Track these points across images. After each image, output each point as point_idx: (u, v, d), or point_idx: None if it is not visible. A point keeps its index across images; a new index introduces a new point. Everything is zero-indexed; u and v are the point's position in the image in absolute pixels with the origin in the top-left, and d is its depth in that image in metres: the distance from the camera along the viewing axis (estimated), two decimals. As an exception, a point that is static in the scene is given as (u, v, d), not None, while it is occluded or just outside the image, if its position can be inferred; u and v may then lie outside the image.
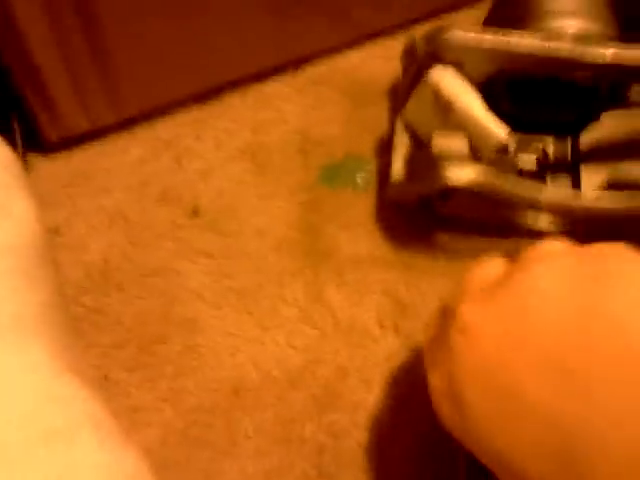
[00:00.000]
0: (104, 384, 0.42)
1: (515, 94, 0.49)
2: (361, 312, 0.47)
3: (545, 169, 0.50)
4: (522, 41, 0.43)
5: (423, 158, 0.45)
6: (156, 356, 0.46)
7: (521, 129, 0.49)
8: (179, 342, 0.46)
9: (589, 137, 0.49)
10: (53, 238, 0.47)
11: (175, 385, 0.45)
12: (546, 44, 0.43)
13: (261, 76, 0.56)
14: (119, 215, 0.50)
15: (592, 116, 0.48)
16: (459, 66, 0.45)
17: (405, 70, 0.49)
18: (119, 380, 0.44)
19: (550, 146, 0.51)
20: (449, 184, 0.41)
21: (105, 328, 0.45)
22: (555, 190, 0.46)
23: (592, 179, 0.49)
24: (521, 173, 0.49)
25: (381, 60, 0.57)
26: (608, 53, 0.43)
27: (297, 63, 0.56)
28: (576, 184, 0.48)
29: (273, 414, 0.44)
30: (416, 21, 0.59)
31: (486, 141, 0.44)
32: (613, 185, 0.45)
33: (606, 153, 0.49)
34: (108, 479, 0.21)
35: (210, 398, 0.44)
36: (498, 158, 0.46)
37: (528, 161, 0.50)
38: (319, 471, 0.42)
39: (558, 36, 0.45)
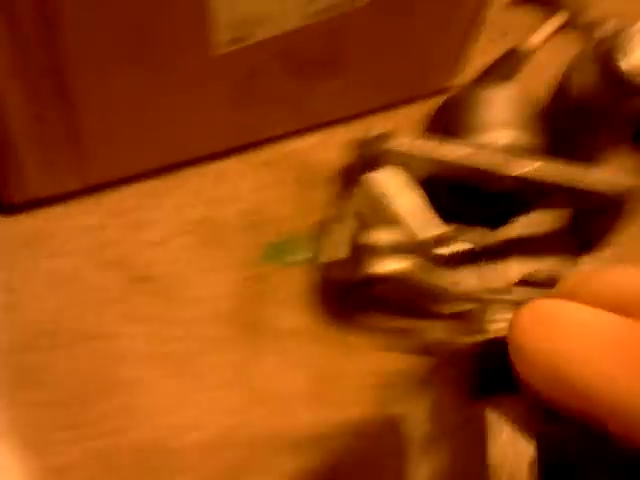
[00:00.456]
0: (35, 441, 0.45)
1: (454, 191, 0.54)
2: (292, 382, 0.51)
3: (474, 259, 0.55)
4: (452, 151, 0.48)
5: (357, 245, 0.50)
6: (93, 415, 0.48)
7: (459, 221, 0.53)
8: (117, 402, 0.49)
9: (514, 231, 0.53)
10: (8, 297, 0.50)
11: (106, 443, 0.47)
12: (474, 156, 0.48)
13: (221, 154, 0.60)
14: (75, 277, 0.54)
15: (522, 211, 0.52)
16: (404, 165, 0.50)
17: (357, 161, 0.54)
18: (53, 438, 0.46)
19: (480, 237, 0.55)
20: (369, 273, 0.45)
21: (46, 386, 0.48)
22: (470, 283, 0.50)
23: (514, 271, 0.53)
24: (448, 262, 0.53)
25: (333, 147, 0.61)
26: (533, 167, 0.48)
27: (255, 144, 0.61)
28: (502, 275, 0.53)
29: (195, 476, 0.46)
30: (371, 112, 0.63)
31: (417, 236, 0.48)
32: (528, 282, 0.50)
33: (531, 248, 0.54)
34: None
35: (145, 456, 0.47)
36: (427, 251, 0.50)
37: (456, 250, 0.54)
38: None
39: (489, 147, 0.50)
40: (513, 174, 0.48)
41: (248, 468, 0.47)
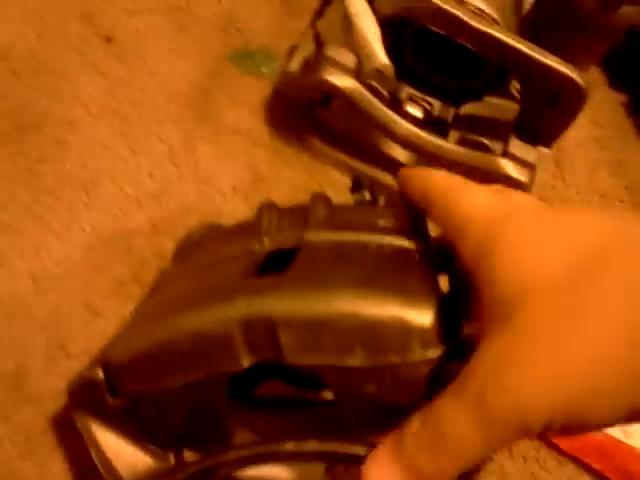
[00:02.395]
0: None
1: (418, 51, 0.55)
2: (222, 172, 0.52)
3: (425, 122, 0.56)
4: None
5: (316, 61, 0.51)
6: (25, 141, 0.49)
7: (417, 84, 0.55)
8: (50, 135, 0.50)
9: (467, 110, 0.55)
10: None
11: (34, 167, 0.48)
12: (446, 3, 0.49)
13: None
14: (38, 15, 0.54)
15: (476, 95, 0.54)
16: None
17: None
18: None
19: (436, 106, 0.57)
20: (324, 84, 0.47)
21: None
22: (410, 126, 0.52)
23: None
24: (406, 116, 0.54)
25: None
26: (498, 30, 0.50)
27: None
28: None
29: (112, 220, 0.48)
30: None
31: (369, 61, 0.50)
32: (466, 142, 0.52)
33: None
34: None
35: (62, 187, 0.48)
36: (378, 83, 0.52)
37: (415, 109, 0.56)
38: (135, 279, 0.47)
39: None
40: (476, 26, 0.48)
41: (159, 231, 0.48)
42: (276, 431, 0.33)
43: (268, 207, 0.38)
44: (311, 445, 0.31)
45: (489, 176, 0.51)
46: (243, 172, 0.52)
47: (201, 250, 0.39)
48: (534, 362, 0.23)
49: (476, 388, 0.24)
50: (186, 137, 0.52)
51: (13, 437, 0.40)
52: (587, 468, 0.46)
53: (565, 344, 0.23)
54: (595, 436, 0.46)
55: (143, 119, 0.52)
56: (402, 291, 0.29)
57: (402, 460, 0.26)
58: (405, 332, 0.28)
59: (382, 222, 0.35)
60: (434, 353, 0.28)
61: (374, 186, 0.46)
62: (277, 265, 0.32)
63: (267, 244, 0.35)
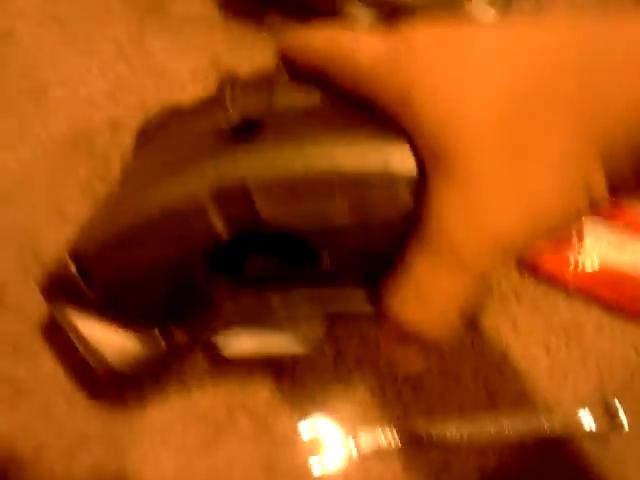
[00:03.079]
0: None
1: None
2: (177, 62, 0.49)
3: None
4: None
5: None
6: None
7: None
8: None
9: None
10: None
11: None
12: None
13: None
14: None
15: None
16: None
17: None
18: None
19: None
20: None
21: None
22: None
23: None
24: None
25: None
26: None
27: None
28: None
29: (68, 125, 0.46)
30: None
31: None
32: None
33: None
34: None
35: (9, 100, 0.46)
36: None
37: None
38: (101, 179, 0.45)
39: None
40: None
41: (119, 125, 0.46)
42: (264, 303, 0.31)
43: (230, 80, 0.35)
44: (301, 292, 0.29)
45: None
46: (199, 59, 0.50)
47: (163, 133, 0.36)
48: (488, 201, 0.23)
49: (443, 241, 0.23)
50: (135, 33, 0.50)
51: (1, 347, 0.39)
52: (598, 301, 0.44)
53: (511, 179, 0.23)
54: (604, 268, 0.44)
55: (85, 21, 0.49)
56: (383, 137, 0.26)
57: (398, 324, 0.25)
58: (392, 182, 0.25)
59: None
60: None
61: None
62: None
63: (234, 116, 0.32)
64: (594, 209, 0.24)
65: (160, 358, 0.34)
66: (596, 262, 0.45)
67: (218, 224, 0.27)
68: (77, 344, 0.34)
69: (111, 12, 0.50)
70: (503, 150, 0.22)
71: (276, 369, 0.40)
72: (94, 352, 0.33)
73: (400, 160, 0.26)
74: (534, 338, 0.43)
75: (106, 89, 0.48)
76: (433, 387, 0.41)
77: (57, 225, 0.43)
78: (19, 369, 0.39)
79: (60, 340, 0.39)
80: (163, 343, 0.34)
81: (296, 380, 0.40)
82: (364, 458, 0.38)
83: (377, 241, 0.27)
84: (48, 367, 0.39)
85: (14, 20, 0.48)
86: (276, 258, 0.32)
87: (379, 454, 0.39)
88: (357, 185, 0.26)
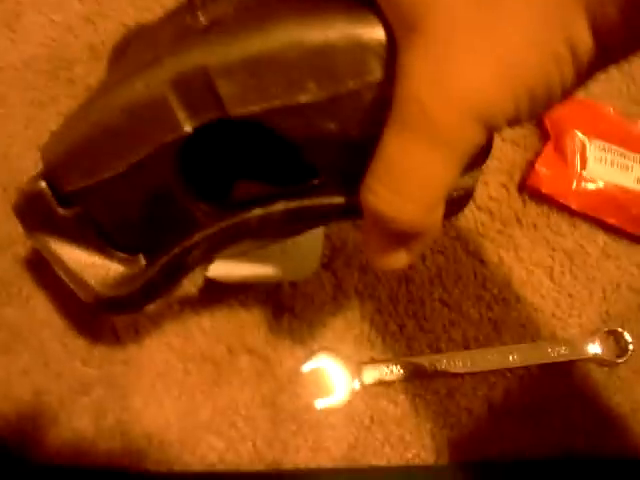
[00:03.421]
0: None
1: None
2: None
3: None
4: None
5: None
6: None
7: None
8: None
9: None
10: None
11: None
12: None
13: None
14: None
15: None
16: None
17: None
18: None
19: None
20: None
21: None
22: None
23: None
24: None
25: None
26: None
27: None
28: None
29: (45, 52, 0.43)
30: None
31: None
32: None
33: None
34: None
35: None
36: None
37: None
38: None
39: None
40: None
41: (99, 53, 0.44)
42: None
43: None
44: (280, 205, 0.28)
45: None
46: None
47: (134, 46, 0.34)
48: (463, 62, 0.20)
49: (416, 110, 0.21)
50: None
51: (-10, 290, 0.38)
52: (602, 225, 0.43)
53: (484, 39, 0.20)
54: (607, 190, 0.43)
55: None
56: (347, 9, 0.24)
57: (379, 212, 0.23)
58: (360, 51, 0.24)
59: None
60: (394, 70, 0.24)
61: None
62: None
63: (202, 19, 0.30)
64: (578, 66, 0.21)
65: (145, 281, 0.32)
66: (600, 183, 0.43)
67: (180, 114, 0.26)
68: (62, 274, 0.32)
69: None
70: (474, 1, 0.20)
71: (275, 306, 0.39)
72: (79, 280, 0.32)
73: (366, 28, 0.24)
74: (538, 264, 0.41)
75: (83, 13, 0.45)
76: (436, 318, 0.40)
77: (38, 158, 0.40)
78: (10, 309, 0.38)
79: (52, 282, 0.37)
80: (144, 264, 0.32)
81: (296, 316, 0.39)
82: (368, 392, 0.38)
83: (351, 125, 0.25)
84: (42, 310, 0.38)
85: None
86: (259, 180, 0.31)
87: (383, 387, 0.38)
88: (321, 55, 0.24)
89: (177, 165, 0.27)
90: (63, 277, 0.32)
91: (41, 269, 0.38)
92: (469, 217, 0.42)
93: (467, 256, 0.41)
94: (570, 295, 0.41)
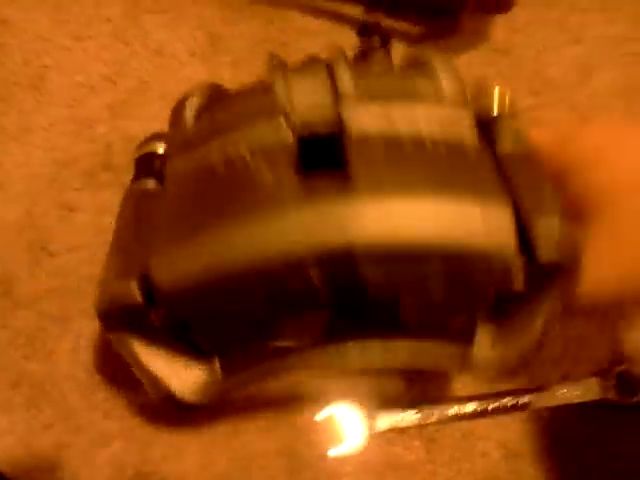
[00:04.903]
0: None
1: None
2: (174, 39, 0.48)
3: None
4: None
5: None
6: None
7: None
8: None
9: None
10: None
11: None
12: None
13: None
14: None
15: None
16: None
17: None
18: None
19: None
20: None
21: None
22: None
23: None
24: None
25: None
26: None
27: None
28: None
29: (69, 113, 0.45)
30: None
31: None
32: None
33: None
34: None
35: (10, 89, 0.45)
36: None
37: None
38: (104, 167, 0.44)
39: None
40: None
41: (120, 113, 0.46)
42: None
43: (279, 67, 0.30)
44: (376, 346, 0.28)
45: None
46: (196, 34, 0.49)
47: (207, 124, 0.31)
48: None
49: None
50: (129, 12, 0.49)
51: (14, 341, 0.39)
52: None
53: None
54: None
55: (78, 3, 0.48)
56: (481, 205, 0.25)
57: None
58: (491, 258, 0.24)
59: (421, 84, 0.29)
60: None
61: (382, 31, 0.43)
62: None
63: (297, 126, 0.27)
64: None
65: (219, 389, 0.31)
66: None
67: (323, 290, 0.25)
68: (138, 373, 0.31)
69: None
70: None
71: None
72: (156, 381, 0.31)
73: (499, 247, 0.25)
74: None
75: (104, 73, 0.47)
76: (449, 363, 0.40)
77: (63, 216, 0.43)
78: (32, 363, 0.39)
79: (73, 337, 0.39)
80: (220, 372, 0.31)
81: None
82: (383, 438, 0.38)
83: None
84: (64, 364, 0.39)
85: (8, 7, 0.48)
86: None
87: (397, 433, 0.39)
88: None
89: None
90: (139, 375, 0.31)
91: (62, 324, 0.40)
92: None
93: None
94: (581, 335, 0.41)
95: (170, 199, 0.29)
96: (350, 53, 0.44)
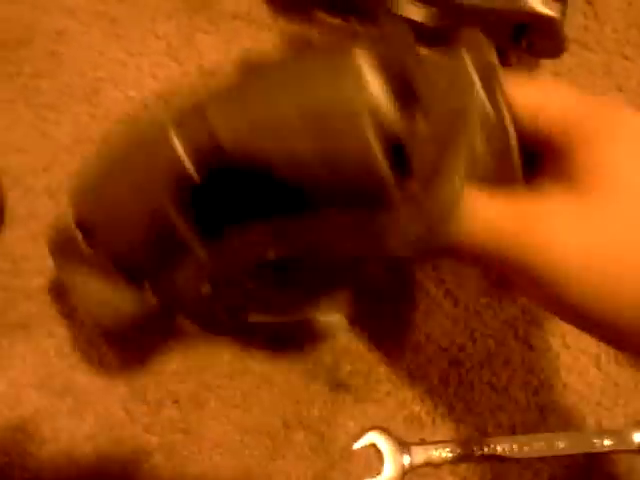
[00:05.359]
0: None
1: None
2: (226, 61, 0.49)
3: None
4: None
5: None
6: (17, 57, 0.47)
7: None
8: (42, 48, 0.47)
9: None
10: None
11: (30, 83, 0.46)
12: None
13: None
14: None
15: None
16: None
17: None
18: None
19: None
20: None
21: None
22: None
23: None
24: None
25: None
26: None
27: None
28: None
29: (117, 122, 0.46)
30: None
31: None
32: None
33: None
34: None
35: (64, 100, 0.46)
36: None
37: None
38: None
39: None
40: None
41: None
42: None
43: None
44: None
45: (514, 16, 0.46)
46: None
47: None
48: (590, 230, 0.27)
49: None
50: (184, 30, 0.49)
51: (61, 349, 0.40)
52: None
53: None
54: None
55: (135, 18, 0.49)
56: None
57: None
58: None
59: None
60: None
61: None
62: None
63: None
64: None
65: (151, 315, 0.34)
66: None
67: (179, 150, 0.28)
68: (74, 297, 0.35)
69: (160, 9, 0.50)
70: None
71: (331, 383, 0.40)
72: (89, 307, 0.34)
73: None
74: (584, 352, 0.43)
75: (157, 90, 0.47)
76: (485, 402, 0.41)
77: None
78: (81, 377, 0.40)
79: (120, 349, 0.39)
80: (153, 298, 0.34)
81: (351, 394, 0.40)
82: (417, 473, 0.39)
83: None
84: (109, 375, 0.40)
85: (66, 18, 0.48)
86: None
87: (431, 469, 0.39)
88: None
89: (182, 206, 0.29)
90: (76, 302, 0.35)
91: (109, 335, 0.40)
92: (519, 303, 0.43)
93: (516, 341, 0.42)
94: (616, 384, 0.42)
95: None
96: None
